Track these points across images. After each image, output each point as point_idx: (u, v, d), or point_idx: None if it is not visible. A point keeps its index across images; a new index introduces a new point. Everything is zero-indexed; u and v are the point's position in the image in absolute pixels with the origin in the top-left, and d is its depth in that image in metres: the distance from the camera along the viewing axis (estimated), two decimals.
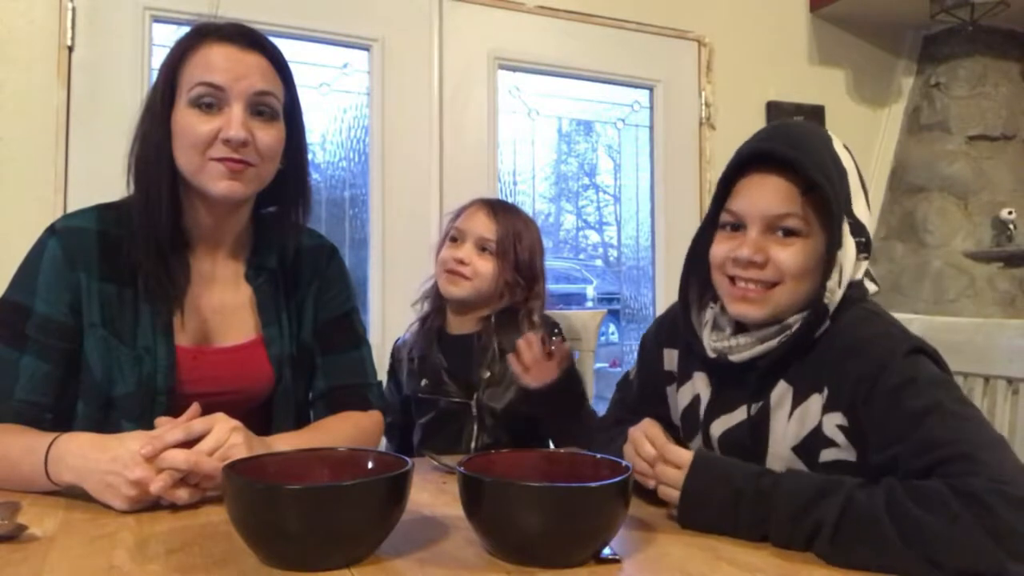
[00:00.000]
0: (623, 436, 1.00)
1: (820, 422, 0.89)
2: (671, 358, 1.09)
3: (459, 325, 1.52)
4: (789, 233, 0.91)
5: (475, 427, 1.44)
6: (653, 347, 1.12)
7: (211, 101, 1.03)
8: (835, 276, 0.89)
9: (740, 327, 0.98)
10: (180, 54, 1.05)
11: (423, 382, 1.50)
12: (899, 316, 1.00)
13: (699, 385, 1.03)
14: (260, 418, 1.12)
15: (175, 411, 1.02)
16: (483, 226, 1.48)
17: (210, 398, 1.05)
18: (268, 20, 2.17)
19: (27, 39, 2.03)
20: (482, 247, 1.47)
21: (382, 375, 1.29)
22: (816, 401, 0.89)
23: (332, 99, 2.41)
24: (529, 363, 1.30)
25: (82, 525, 0.84)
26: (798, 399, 0.91)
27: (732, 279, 0.94)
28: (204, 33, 1.06)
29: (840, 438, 0.87)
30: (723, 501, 0.83)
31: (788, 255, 0.90)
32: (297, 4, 2.31)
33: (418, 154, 2.46)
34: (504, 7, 2.58)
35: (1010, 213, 2.93)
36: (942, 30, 3.03)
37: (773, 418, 0.93)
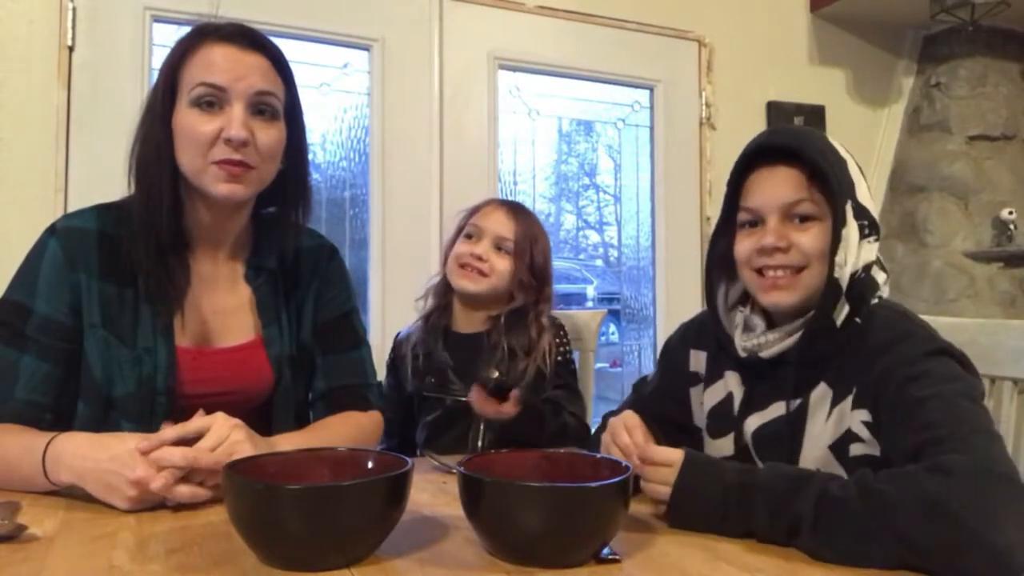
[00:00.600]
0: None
1: (851, 418, 0.92)
2: (698, 359, 1.11)
3: (466, 323, 1.51)
4: (805, 219, 0.96)
5: (482, 426, 1.43)
6: (679, 348, 1.15)
7: (212, 101, 1.03)
8: (841, 252, 0.93)
9: (771, 325, 1.01)
10: (181, 54, 1.05)
11: (429, 380, 1.48)
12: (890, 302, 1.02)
13: (731, 383, 1.05)
14: (260, 418, 1.12)
15: (175, 412, 1.02)
16: (502, 225, 1.48)
17: (210, 399, 1.05)
18: (268, 20, 2.17)
19: (27, 39, 2.03)
20: (499, 246, 1.47)
21: (382, 374, 1.29)
22: (849, 400, 0.93)
23: (332, 99, 2.41)
24: (480, 405, 1.31)
25: (82, 525, 0.84)
26: (836, 401, 0.94)
27: (760, 272, 0.98)
28: (205, 33, 1.06)
29: (865, 433, 0.90)
30: (713, 498, 0.84)
31: (809, 238, 0.96)
32: (297, 4, 2.31)
33: (418, 154, 2.46)
34: (504, 7, 2.58)
35: (1010, 213, 2.93)
36: (942, 30, 3.03)
37: (811, 418, 0.95)
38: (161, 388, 1.05)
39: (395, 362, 1.58)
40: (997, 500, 0.70)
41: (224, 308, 1.14)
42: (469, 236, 1.49)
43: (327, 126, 2.40)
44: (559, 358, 1.48)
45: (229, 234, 1.14)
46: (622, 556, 0.76)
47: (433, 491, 1.02)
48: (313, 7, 2.33)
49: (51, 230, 1.06)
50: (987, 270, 3.00)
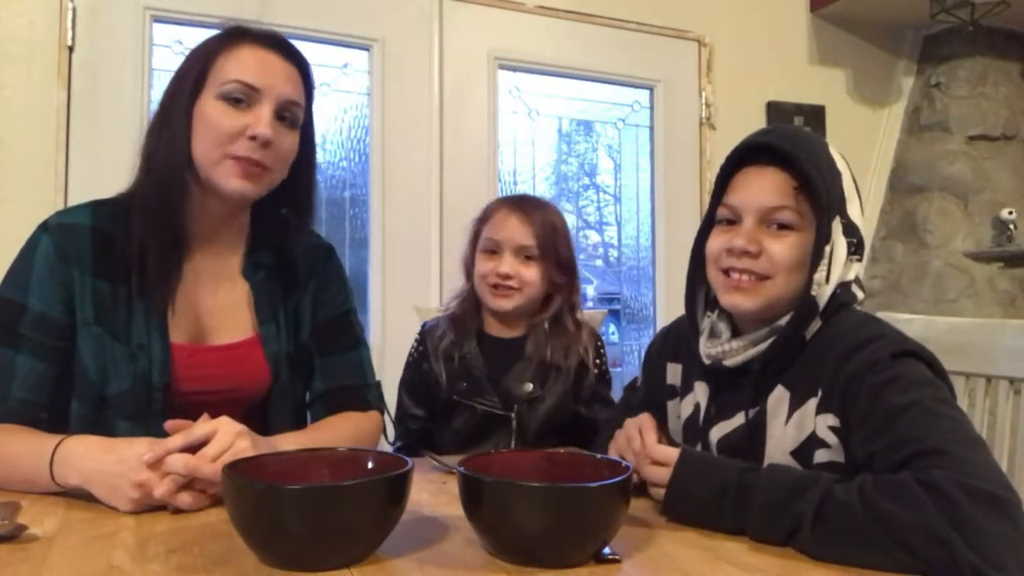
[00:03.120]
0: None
1: (815, 423, 0.90)
2: (675, 372, 1.10)
3: (501, 330, 1.45)
4: (783, 227, 0.93)
5: (513, 440, 1.38)
6: (657, 361, 1.15)
7: (241, 98, 1.04)
8: (823, 270, 0.91)
9: (736, 333, 0.99)
10: (214, 49, 1.06)
11: (461, 385, 1.41)
12: (899, 316, 1.01)
13: (699, 395, 1.04)
14: (257, 418, 1.11)
15: (171, 409, 1.02)
16: (519, 233, 1.39)
17: (206, 396, 1.05)
18: (269, 20, 2.16)
19: (27, 39, 2.03)
20: (524, 255, 1.40)
21: (380, 375, 1.28)
22: (812, 404, 0.90)
23: (332, 99, 2.41)
24: None
25: (82, 525, 0.84)
26: (795, 404, 0.92)
27: (727, 272, 0.96)
28: (242, 34, 1.08)
29: (832, 439, 0.88)
30: (709, 494, 0.84)
31: (781, 248, 0.93)
32: (297, 4, 2.31)
33: (418, 154, 2.46)
34: (504, 7, 2.58)
35: (1010, 213, 2.93)
36: (942, 30, 3.03)
37: (770, 424, 0.94)
38: (156, 385, 1.05)
39: (423, 355, 1.47)
40: (981, 520, 0.70)
41: (220, 304, 1.13)
42: (490, 251, 1.41)
43: (327, 126, 2.40)
44: (595, 371, 1.44)
45: (228, 232, 1.14)
46: (622, 556, 0.76)
47: (433, 491, 1.02)
48: (313, 7, 2.33)
49: (43, 226, 1.06)
50: (987, 270, 3.00)
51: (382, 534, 0.76)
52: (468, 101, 2.54)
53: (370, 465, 0.84)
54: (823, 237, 0.91)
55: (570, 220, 3.00)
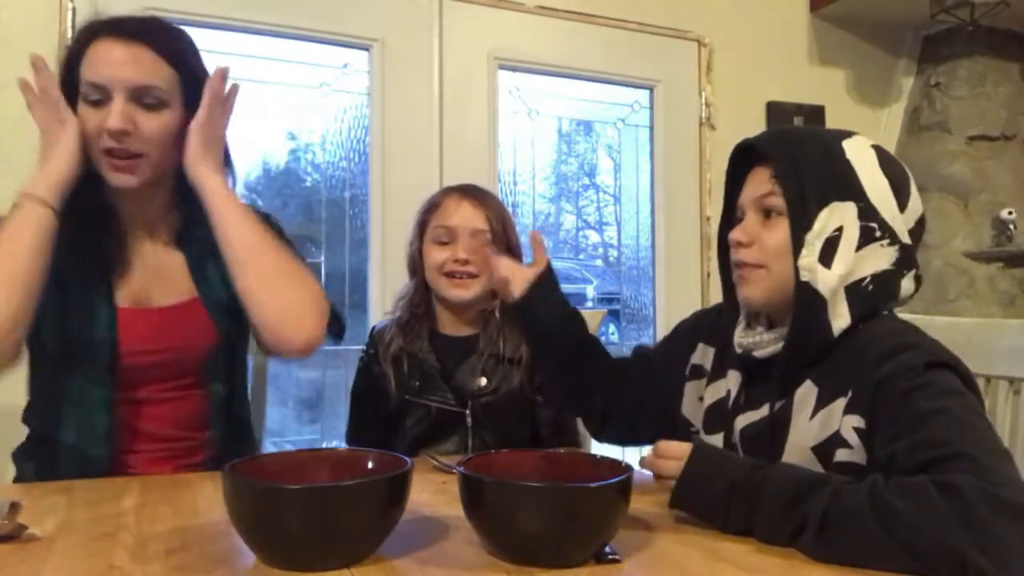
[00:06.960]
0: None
1: (840, 423, 0.89)
2: (705, 354, 1.11)
3: (453, 326, 1.42)
4: (773, 214, 0.95)
5: (470, 437, 1.36)
6: (688, 336, 1.15)
7: (98, 98, 1.09)
8: (808, 256, 0.91)
9: (771, 325, 1.00)
10: (75, 52, 1.12)
11: (413, 383, 1.38)
12: (899, 316, 1.00)
13: (731, 382, 1.04)
14: (206, 373, 1.18)
15: (121, 368, 1.10)
16: (473, 217, 1.37)
17: (154, 356, 1.13)
18: (268, 20, 2.17)
19: (27, 39, 2.03)
20: (479, 241, 1.36)
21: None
22: (840, 404, 0.90)
23: (332, 99, 2.40)
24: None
25: (82, 525, 0.84)
26: (823, 401, 0.92)
27: (738, 266, 0.99)
28: (95, 28, 1.12)
29: (854, 439, 0.88)
30: (718, 494, 0.84)
31: (769, 234, 0.95)
32: (297, 4, 2.31)
33: (418, 154, 2.46)
34: (504, 7, 2.58)
35: (1010, 213, 2.93)
36: (942, 30, 3.03)
37: (795, 417, 0.94)
38: (104, 341, 1.11)
39: (373, 358, 1.43)
40: (1000, 529, 0.69)
41: (159, 269, 1.19)
42: (442, 242, 1.38)
43: (327, 126, 2.39)
44: None
45: (151, 208, 1.20)
46: (622, 556, 0.76)
47: (433, 491, 1.02)
48: (313, 7, 2.33)
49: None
50: (987, 270, 3.00)
51: (382, 534, 0.76)
52: (468, 101, 2.53)
53: (370, 465, 0.84)
54: (799, 223, 0.92)
55: (570, 220, 3.00)
